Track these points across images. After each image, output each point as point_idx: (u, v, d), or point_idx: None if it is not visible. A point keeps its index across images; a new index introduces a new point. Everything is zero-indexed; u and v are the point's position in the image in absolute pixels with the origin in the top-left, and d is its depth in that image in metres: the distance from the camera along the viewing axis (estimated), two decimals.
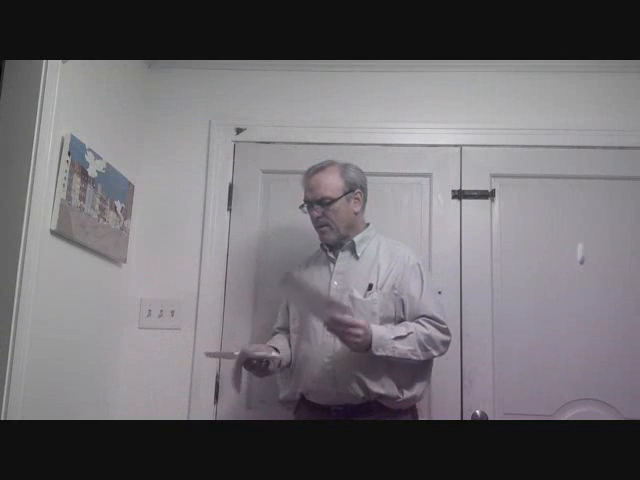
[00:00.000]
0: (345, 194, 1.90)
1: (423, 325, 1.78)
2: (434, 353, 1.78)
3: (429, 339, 1.76)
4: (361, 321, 1.69)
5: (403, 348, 1.72)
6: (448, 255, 2.30)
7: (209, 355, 1.97)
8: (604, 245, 2.29)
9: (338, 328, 1.66)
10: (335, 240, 1.92)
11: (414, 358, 1.74)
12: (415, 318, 1.80)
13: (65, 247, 1.86)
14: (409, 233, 2.32)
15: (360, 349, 1.69)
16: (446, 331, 1.80)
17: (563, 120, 2.38)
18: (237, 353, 1.74)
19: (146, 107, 2.46)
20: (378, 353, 1.70)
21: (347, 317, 1.66)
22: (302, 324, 1.88)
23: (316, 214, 1.89)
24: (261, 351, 1.78)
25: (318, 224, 1.91)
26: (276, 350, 1.84)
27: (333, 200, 1.88)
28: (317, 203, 1.89)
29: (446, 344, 1.81)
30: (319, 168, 1.94)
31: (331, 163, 1.95)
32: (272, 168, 2.43)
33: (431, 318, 1.79)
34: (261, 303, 2.30)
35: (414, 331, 1.75)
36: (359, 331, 1.66)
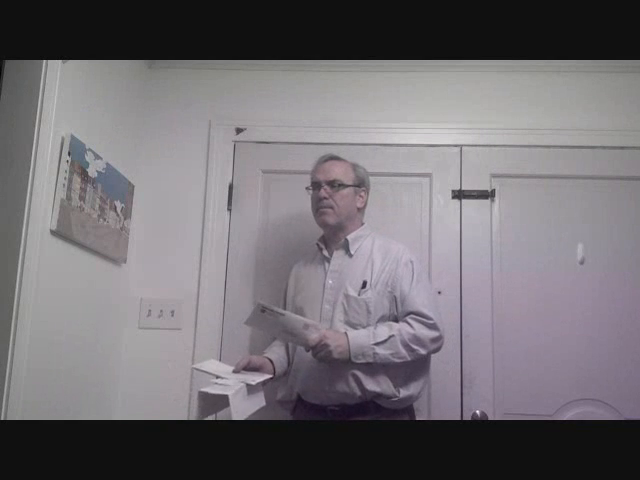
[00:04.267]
0: (354, 186, 1.94)
1: (409, 324, 1.77)
2: (422, 352, 1.77)
3: (415, 338, 1.75)
4: (327, 332, 1.73)
5: (384, 353, 1.72)
6: (448, 255, 2.31)
7: (196, 369, 1.83)
8: (604, 245, 2.29)
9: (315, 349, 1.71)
10: (334, 225, 1.91)
11: (397, 361, 1.74)
12: (404, 315, 1.80)
13: (65, 247, 1.86)
14: (409, 233, 2.32)
15: (340, 359, 1.71)
16: (433, 326, 1.78)
17: (563, 120, 2.39)
18: (227, 394, 1.60)
19: (146, 107, 2.47)
20: (358, 361, 1.72)
21: (314, 335, 1.70)
22: None
23: (323, 194, 1.90)
24: (254, 375, 1.75)
25: (322, 205, 1.91)
26: (271, 361, 1.86)
27: (344, 185, 1.92)
28: (327, 184, 1.91)
29: (435, 340, 1.79)
30: (334, 157, 2.00)
31: (343, 158, 2.01)
32: (272, 168, 2.43)
33: (417, 314, 1.78)
34: None
35: (396, 333, 1.74)
36: (328, 342, 1.70)
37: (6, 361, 1.59)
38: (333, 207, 1.90)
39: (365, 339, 1.73)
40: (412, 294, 1.82)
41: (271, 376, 1.80)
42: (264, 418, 2.12)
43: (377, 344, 1.72)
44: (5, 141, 1.71)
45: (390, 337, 1.73)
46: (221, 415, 1.80)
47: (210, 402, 1.66)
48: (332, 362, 1.73)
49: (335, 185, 1.91)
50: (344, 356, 1.71)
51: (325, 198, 1.90)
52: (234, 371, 1.73)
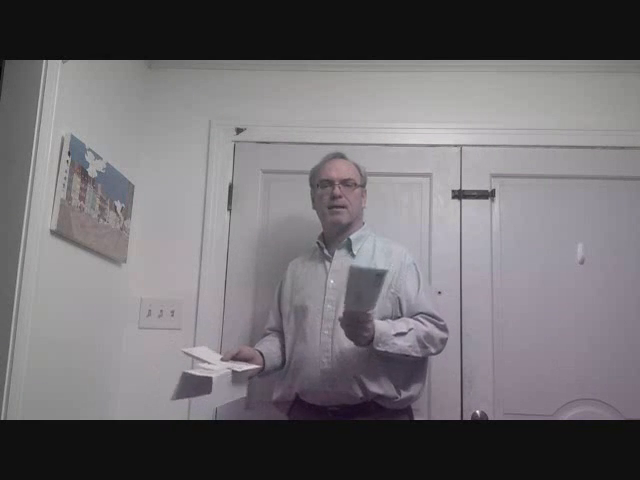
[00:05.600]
0: (362, 185, 1.96)
1: (422, 322, 1.78)
2: (432, 350, 1.78)
3: (428, 336, 1.76)
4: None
5: (403, 344, 1.71)
6: (448, 255, 2.31)
7: (186, 353, 1.78)
8: (604, 245, 2.29)
9: (354, 321, 1.63)
10: (345, 224, 1.91)
11: (413, 354, 1.73)
12: (413, 316, 1.80)
13: (65, 247, 1.86)
14: (409, 233, 2.32)
15: (364, 343, 1.68)
16: (444, 328, 1.81)
17: (563, 120, 2.39)
18: (212, 376, 1.55)
19: (146, 107, 2.47)
20: (378, 348, 1.69)
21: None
22: (297, 324, 1.88)
23: (338, 193, 1.88)
24: (240, 366, 1.69)
25: (335, 204, 1.88)
26: (261, 354, 1.82)
27: (357, 185, 1.92)
28: (342, 183, 1.89)
29: (444, 342, 1.82)
30: (342, 155, 1.99)
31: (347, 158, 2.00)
32: (272, 168, 2.43)
33: (429, 315, 1.80)
34: (261, 303, 2.30)
35: (414, 327, 1.75)
36: (370, 325, 1.65)
37: (6, 361, 1.59)
38: (347, 206, 1.89)
39: (387, 328, 1.71)
40: (421, 296, 1.83)
41: (260, 367, 1.77)
42: (266, 418, 2.13)
43: (397, 335, 1.70)
44: (5, 141, 1.71)
45: (410, 330, 1.73)
46: (199, 400, 1.71)
47: (192, 385, 1.61)
48: (357, 341, 1.67)
49: (350, 184, 1.90)
50: (368, 337, 1.67)
51: (339, 197, 1.88)
52: (222, 359, 1.71)
